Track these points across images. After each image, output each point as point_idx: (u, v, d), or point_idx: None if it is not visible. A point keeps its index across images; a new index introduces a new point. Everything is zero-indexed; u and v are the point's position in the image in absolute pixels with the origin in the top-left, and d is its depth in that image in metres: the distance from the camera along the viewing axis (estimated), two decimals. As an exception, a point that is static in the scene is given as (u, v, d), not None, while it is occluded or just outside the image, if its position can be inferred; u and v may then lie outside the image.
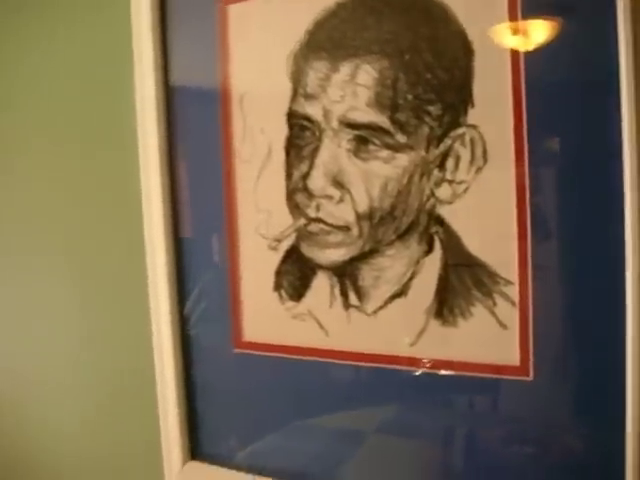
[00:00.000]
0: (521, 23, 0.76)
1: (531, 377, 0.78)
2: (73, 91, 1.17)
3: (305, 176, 0.89)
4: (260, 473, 0.98)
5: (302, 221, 0.90)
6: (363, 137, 0.84)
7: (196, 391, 1.04)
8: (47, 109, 1.20)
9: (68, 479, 1.28)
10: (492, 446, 0.84)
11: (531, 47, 0.76)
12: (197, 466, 1.04)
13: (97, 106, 1.13)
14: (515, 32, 0.77)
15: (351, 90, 0.84)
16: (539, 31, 0.76)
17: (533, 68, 0.76)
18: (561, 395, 0.79)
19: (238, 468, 1.01)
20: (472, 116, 0.79)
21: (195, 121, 1.00)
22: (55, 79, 1.19)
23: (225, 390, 1.02)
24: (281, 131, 0.91)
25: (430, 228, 0.82)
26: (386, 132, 0.82)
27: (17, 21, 1.23)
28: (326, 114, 0.86)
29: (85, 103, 1.15)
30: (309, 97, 0.88)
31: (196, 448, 1.05)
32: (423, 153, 0.81)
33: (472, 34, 0.78)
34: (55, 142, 1.20)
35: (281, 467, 0.97)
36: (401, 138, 0.82)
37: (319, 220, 0.88)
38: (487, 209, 0.79)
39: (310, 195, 0.88)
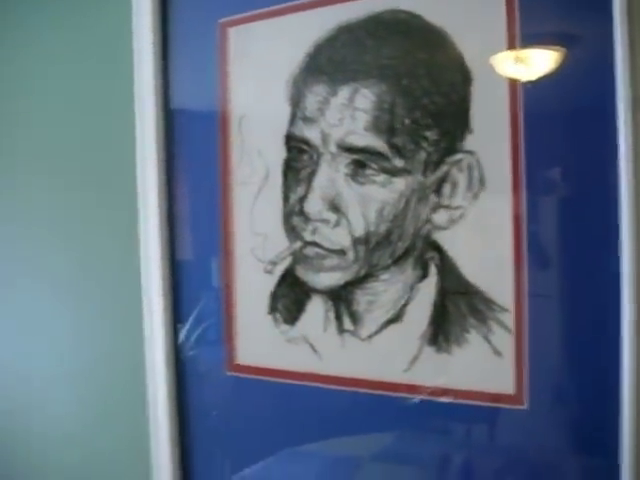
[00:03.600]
0: (520, 51, 0.76)
1: (526, 406, 0.77)
2: (74, 115, 1.17)
3: (302, 199, 0.88)
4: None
5: (298, 244, 0.89)
6: (361, 161, 0.84)
7: (189, 415, 1.03)
8: (47, 132, 1.21)
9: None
10: (487, 475, 0.82)
11: (529, 75, 0.76)
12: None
13: (97, 129, 1.13)
14: (514, 60, 0.77)
15: (349, 114, 0.84)
16: (538, 59, 0.76)
17: (531, 96, 0.76)
18: (557, 424, 0.77)
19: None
20: (469, 142, 0.79)
21: (193, 143, 1.01)
22: (56, 104, 1.19)
23: (218, 414, 1.01)
24: (279, 154, 0.91)
25: (426, 253, 0.82)
26: (383, 156, 0.82)
27: (20, 46, 1.24)
28: (324, 138, 0.86)
29: (86, 127, 1.15)
30: (308, 120, 0.88)
31: (188, 474, 1.03)
32: (420, 178, 0.81)
33: (470, 60, 0.79)
34: (53, 164, 1.21)
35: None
36: (398, 162, 0.82)
37: (315, 244, 0.88)
38: (483, 235, 0.79)
39: (306, 218, 0.88)
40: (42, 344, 1.26)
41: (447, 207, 0.80)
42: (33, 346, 1.27)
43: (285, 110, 0.90)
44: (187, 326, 1.02)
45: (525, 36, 0.76)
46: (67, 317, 1.21)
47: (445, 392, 0.82)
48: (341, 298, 0.88)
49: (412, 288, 0.83)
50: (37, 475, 1.28)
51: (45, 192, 1.22)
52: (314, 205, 0.87)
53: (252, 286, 0.95)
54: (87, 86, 1.14)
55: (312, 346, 0.90)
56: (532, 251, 0.76)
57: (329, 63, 0.87)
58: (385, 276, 0.85)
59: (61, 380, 1.24)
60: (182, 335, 1.02)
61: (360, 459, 0.90)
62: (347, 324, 0.87)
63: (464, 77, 0.79)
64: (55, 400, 1.25)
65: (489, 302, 0.78)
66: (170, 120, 1.01)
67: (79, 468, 1.22)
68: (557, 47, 0.75)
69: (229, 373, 0.98)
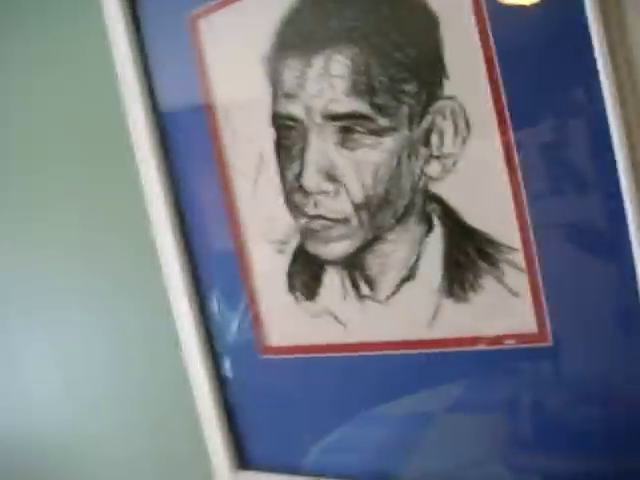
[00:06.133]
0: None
1: (551, 343, 0.76)
2: (68, 127, 1.20)
3: (299, 175, 0.89)
4: (310, 474, 0.99)
5: (303, 220, 0.90)
6: (347, 127, 0.84)
7: (234, 405, 1.05)
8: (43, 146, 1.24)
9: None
10: (529, 415, 0.82)
11: (496, 6, 0.74)
12: (247, 475, 1.05)
13: (93, 141, 1.16)
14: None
15: (327, 82, 0.84)
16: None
17: (501, 28, 0.73)
18: (584, 358, 0.76)
19: (289, 472, 1.01)
20: (449, 88, 0.77)
21: (188, 141, 1.01)
22: (47, 119, 1.22)
23: (259, 398, 1.03)
24: (268, 136, 0.91)
25: (426, 207, 0.81)
26: (368, 118, 0.82)
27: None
28: (308, 110, 0.86)
29: (81, 139, 1.18)
30: (289, 96, 0.88)
31: (244, 458, 1.06)
32: (407, 133, 0.80)
33: (434, 3, 0.77)
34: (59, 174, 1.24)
35: (331, 467, 0.98)
36: (383, 121, 0.81)
37: (319, 216, 0.88)
38: (478, 178, 0.78)
39: (306, 193, 0.88)
40: (79, 344, 1.30)
41: (438, 157, 0.79)
42: (81, 362, 1.32)
43: (266, 91, 0.90)
44: (216, 320, 1.04)
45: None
46: (102, 323, 1.25)
47: (470, 340, 0.81)
48: (354, 265, 0.88)
49: (420, 244, 0.83)
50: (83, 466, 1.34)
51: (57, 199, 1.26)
52: (311, 179, 0.87)
53: (269, 269, 0.96)
54: (74, 99, 1.16)
55: (335, 316, 0.91)
56: (529, 184, 0.74)
57: (298, 36, 0.86)
58: (392, 236, 0.84)
59: (103, 383, 1.28)
60: (213, 330, 1.04)
61: (412, 417, 0.91)
62: (364, 290, 0.88)
63: (431, 22, 0.77)
64: (100, 402, 1.30)
65: (496, 244, 0.77)
66: (161, 123, 1.03)
67: (136, 469, 1.27)
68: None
69: (263, 356, 1.00)
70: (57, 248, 1.28)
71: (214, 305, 1.04)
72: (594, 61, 0.68)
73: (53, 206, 1.27)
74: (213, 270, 1.03)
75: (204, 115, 0.98)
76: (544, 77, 0.73)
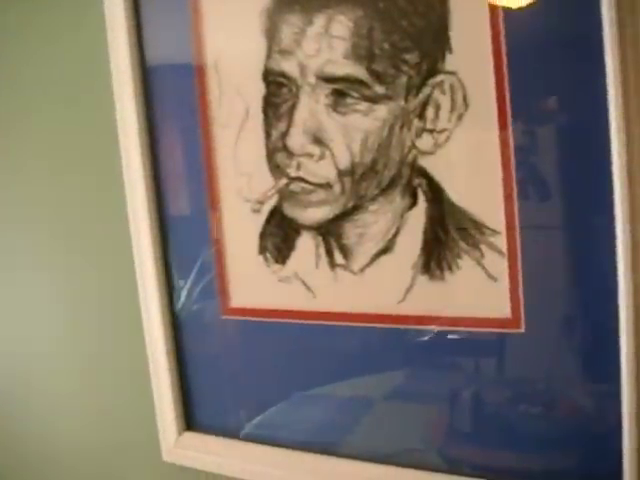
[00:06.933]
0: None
1: (523, 329, 0.76)
2: (51, 79, 1.15)
3: (284, 135, 0.86)
4: (254, 440, 0.97)
5: (283, 181, 0.88)
6: (341, 91, 0.82)
7: (187, 362, 1.03)
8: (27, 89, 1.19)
9: (65, 456, 1.28)
10: (489, 400, 0.82)
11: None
12: (193, 436, 1.03)
13: (74, 92, 1.12)
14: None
15: (326, 43, 0.82)
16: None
17: (512, 9, 0.72)
18: (555, 347, 0.76)
19: (233, 436, 1.00)
20: (451, 62, 0.76)
21: (172, 88, 0.99)
22: (32, 65, 1.18)
23: (215, 359, 1.01)
24: (258, 91, 0.89)
25: (413, 181, 0.80)
26: (364, 84, 0.80)
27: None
28: (302, 69, 0.84)
29: (63, 89, 1.13)
30: (284, 53, 0.85)
31: (191, 418, 1.04)
32: (402, 103, 0.79)
33: (447, -24, 0.75)
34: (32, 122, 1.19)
35: (275, 428, 0.97)
36: (379, 89, 0.79)
37: (300, 179, 0.86)
38: (470, 157, 0.77)
39: (290, 154, 0.86)
40: (35, 305, 1.27)
41: (431, 131, 0.78)
42: (27, 310, 1.28)
43: (261, 44, 0.87)
44: (178, 274, 1.01)
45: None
46: (60, 278, 1.21)
47: (441, 320, 0.81)
48: (330, 232, 0.86)
49: (401, 217, 0.81)
50: (42, 422, 1.31)
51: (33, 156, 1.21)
52: (297, 140, 0.85)
53: (241, 228, 0.94)
54: (59, 45, 1.12)
55: (305, 283, 0.89)
56: (521, 170, 0.74)
57: None
58: (374, 207, 0.83)
59: (57, 341, 1.25)
60: (175, 283, 1.01)
61: (366, 396, 0.90)
62: (338, 258, 0.86)
63: (441, -6, 0.76)
64: (53, 360, 1.26)
65: (480, 225, 0.77)
66: (146, 70, 0.99)
67: (85, 426, 1.23)
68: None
69: (224, 317, 0.97)
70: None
71: (178, 260, 1.01)
72: (602, 50, 0.67)
73: (19, 161, 1.23)
74: (183, 224, 1.00)
75: (192, 66, 0.95)
76: (549, 63, 0.72)
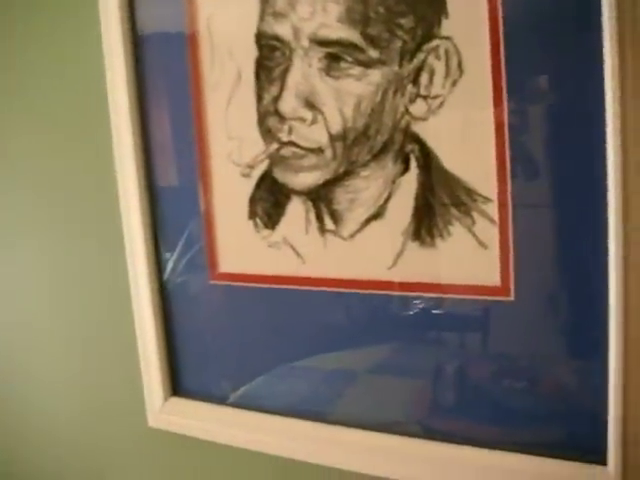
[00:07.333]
0: None
1: (512, 297, 0.76)
2: (41, 50, 1.13)
3: (276, 99, 0.86)
4: (241, 406, 0.98)
5: (274, 146, 0.87)
6: (334, 54, 0.81)
7: (175, 328, 1.02)
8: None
9: (51, 422, 1.28)
10: (475, 368, 0.82)
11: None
12: (178, 402, 1.03)
13: (64, 61, 1.11)
14: None
15: (321, 6, 0.81)
16: None
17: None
18: (544, 316, 0.76)
19: (220, 402, 1.00)
20: (446, 27, 0.75)
21: (162, 51, 0.97)
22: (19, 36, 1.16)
23: (203, 326, 1.00)
24: (250, 54, 0.88)
25: (405, 147, 0.80)
26: (358, 48, 0.79)
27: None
28: (296, 33, 0.83)
29: (53, 60, 1.12)
30: (278, 16, 0.84)
31: (177, 384, 1.04)
32: (396, 68, 0.78)
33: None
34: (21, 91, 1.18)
35: (260, 397, 0.97)
36: (373, 53, 0.79)
37: (292, 143, 0.86)
38: (463, 124, 0.76)
39: (282, 118, 0.85)
40: (22, 272, 1.25)
41: (425, 97, 0.77)
42: (21, 288, 1.27)
43: (254, 7, 0.86)
44: (167, 238, 1.00)
45: None
46: (48, 244, 1.20)
47: (431, 287, 0.81)
48: (321, 198, 0.86)
49: (393, 183, 0.81)
50: (27, 390, 1.30)
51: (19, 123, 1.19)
52: (289, 103, 0.84)
53: (230, 192, 0.93)
54: (49, 15, 1.10)
55: (294, 249, 0.89)
56: (514, 137, 0.74)
57: None
58: (365, 172, 0.83)
59: (45, 305, 1.24)
60: (163, 248, 1.01)
61: (353, 364, 0.90)
62: (328, 224, 0.86)
63: (438, -43, 0.75)
64: (41, 326, 1.25)
65: (471, 192, 0.77)
66: (138, 39, 0.98)
67: (72, 389, 1.23)
68: None
69: (212, 282, 0.97)
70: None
71: (168, 226, 1.00)
72: (600, 23, 0.67)
73: (7, 133, 1.21)
74: (173, 189, 0.99)
75: (184, 31, 0.94)
76: (545, 29, 0.71)
